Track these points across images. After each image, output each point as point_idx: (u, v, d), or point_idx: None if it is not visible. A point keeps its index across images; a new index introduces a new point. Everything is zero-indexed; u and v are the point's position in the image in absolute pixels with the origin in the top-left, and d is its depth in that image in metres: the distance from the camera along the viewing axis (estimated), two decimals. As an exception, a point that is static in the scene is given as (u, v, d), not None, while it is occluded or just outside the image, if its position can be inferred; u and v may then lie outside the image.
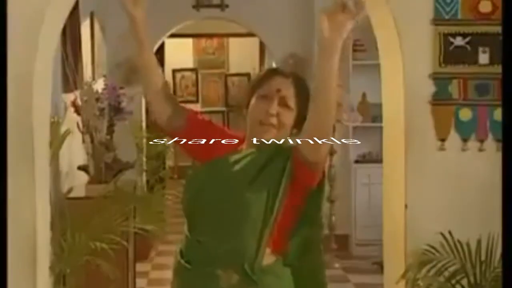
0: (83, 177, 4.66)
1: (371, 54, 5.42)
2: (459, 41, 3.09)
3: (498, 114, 3.07)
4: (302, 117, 2.09)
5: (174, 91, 11.01)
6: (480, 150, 3.11)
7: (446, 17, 3.08)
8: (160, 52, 7.81)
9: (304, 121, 2.06)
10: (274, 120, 2.09)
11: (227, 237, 2.07)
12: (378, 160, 4.86)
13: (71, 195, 4.11)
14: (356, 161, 6.38)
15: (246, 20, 6.64)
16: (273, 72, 2.21)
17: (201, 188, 2.15)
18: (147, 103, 2.30)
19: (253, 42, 9.40)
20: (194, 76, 11.23)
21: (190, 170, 2.25)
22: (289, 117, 2.11)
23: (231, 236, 2.07)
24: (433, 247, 2.97)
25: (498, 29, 3.03)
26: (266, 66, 8.05)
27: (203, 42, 11.07)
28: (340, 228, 6.11)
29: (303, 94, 2.13)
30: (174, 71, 11.06)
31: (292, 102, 2.11)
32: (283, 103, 2.10)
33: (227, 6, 6.52)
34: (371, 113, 6.25)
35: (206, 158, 2.20)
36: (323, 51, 1.89)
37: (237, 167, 2.11)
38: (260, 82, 2.16)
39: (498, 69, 3.05)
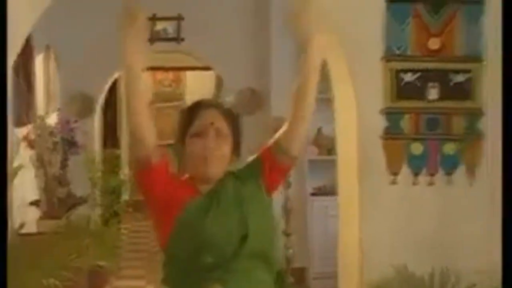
0: (36, 212, 4.58)
1: (327, 88, 5.48)
2: (409, 77, 3.16)
3: (447, 148, 3.14)
4: (237, 142, 2.14)
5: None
6: (430, 184, 3.16)
7: (397, 52, 3.15)
8: (114, 87, 7.74)
9: (238, 145, 2.13)
10: (216, 153, 2.09)
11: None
12: (335, 193, 4.88)
13: (23, 230, 4.04)
14: (313, 194, 6.40)
15: (202, 54, 6.64)
16: (199, 106, 2.19)
17: (200, 232, 2.01)
18: (131, 117, 2.05)
19: (211, 75, 9.42)
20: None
21: (183, 213, 2.06)
22: (228, 146, 2.12)
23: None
24: (387, 281, 3.00)
25: (446, 65, 3.12)
26: (221, 99, 8.06)
27: (159, 74, 11.05)
28: (296, 261, 6.09)
29: (232, 120, 2.16)
30: (129, 104, 10.98)
31: (226, 130, 2.12)
32: (219, 134, 2.11)
33: (182, 39, 6.53)
34: (327, 146, 6.30)
35: (166, 204, 2.07)
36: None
37: (221, 207, 2.06)
38: (189, 120, 2.15)
39: (447, 104, 3.13)
